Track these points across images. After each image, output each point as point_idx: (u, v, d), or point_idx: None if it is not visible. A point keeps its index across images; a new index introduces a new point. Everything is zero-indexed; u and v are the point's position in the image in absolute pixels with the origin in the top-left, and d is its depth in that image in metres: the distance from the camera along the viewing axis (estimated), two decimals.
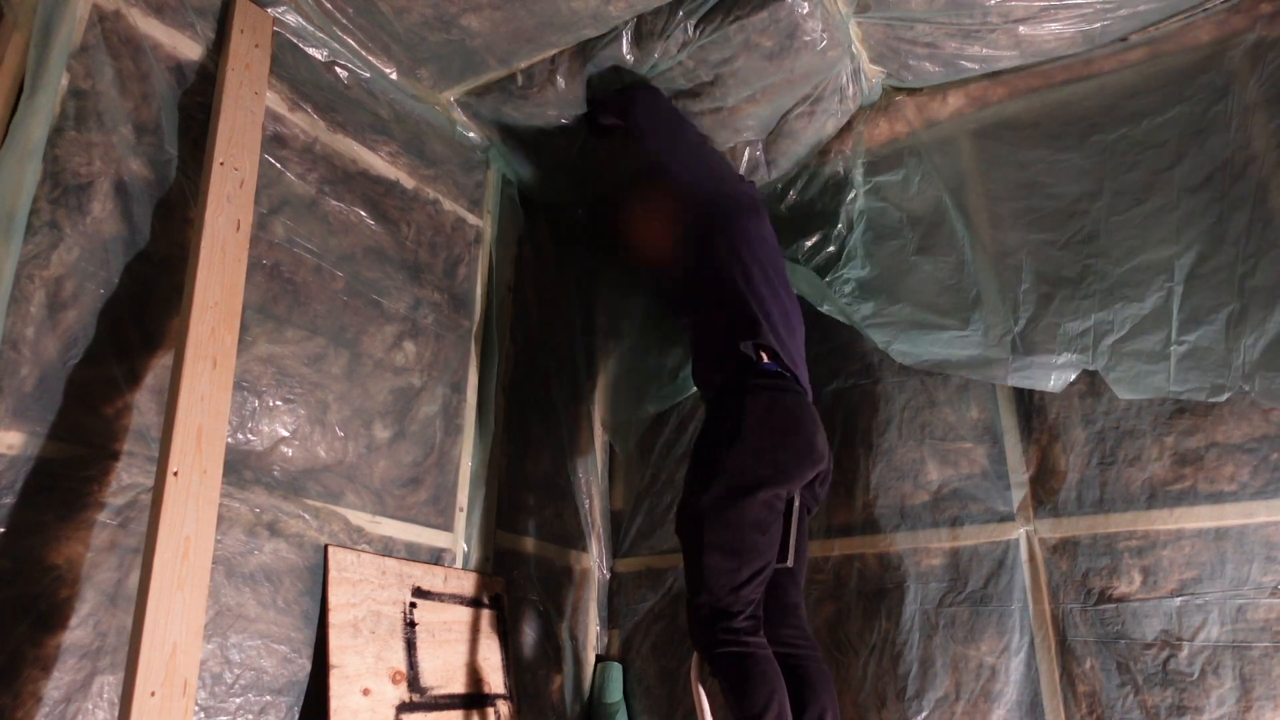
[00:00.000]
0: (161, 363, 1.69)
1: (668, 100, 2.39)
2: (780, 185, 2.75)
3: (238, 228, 1.77)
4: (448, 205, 2.50)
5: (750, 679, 1.74)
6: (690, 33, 2.21)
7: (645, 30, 2.23)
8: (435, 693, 2.01)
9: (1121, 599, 2.07)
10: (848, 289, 2.50)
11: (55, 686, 1.44)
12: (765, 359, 2.00)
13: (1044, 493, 2.23)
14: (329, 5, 2.09)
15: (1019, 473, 2.28)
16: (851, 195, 2.60)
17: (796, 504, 1.96)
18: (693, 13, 2.19)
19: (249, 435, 1.82)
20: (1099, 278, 2.21)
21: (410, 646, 2.00)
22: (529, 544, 2.53)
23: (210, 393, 1.61)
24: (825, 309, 2.50)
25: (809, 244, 2.61)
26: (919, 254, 2.49)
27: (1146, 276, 2.16)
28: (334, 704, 1.77)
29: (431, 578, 2.14)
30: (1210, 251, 2.10)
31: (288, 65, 2.10)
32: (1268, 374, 1.97)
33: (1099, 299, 2.19)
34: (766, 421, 1.92)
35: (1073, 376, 2.21)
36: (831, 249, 2.56)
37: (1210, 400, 2.04)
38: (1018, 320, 2.28)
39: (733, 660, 1.77)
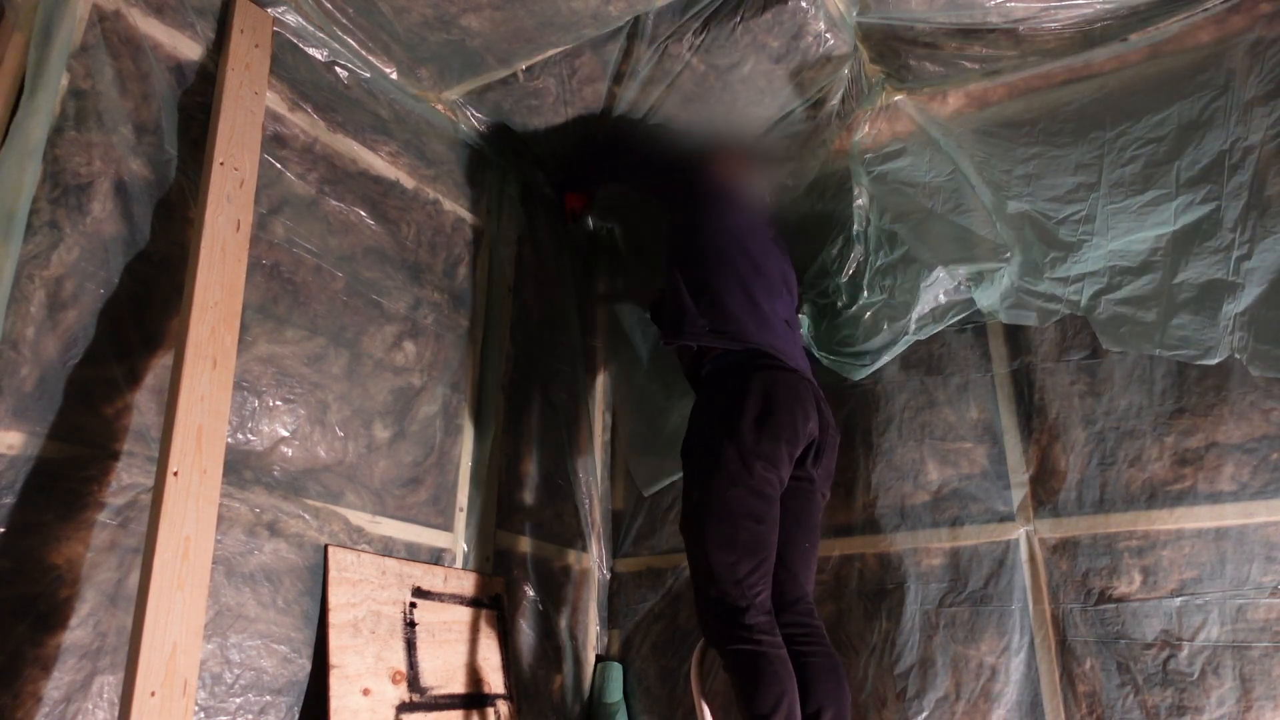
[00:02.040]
0: (161, 363, 1.69)
1: (627, 138, 2.54)
2: (790, 195, 2.75)
3: (238, 228, 1.77)
4: (448, 205, 2.50)
5: (761, 678, 1.73)
6: (697, 35, 2.22)
7: (653, 31, 2.23)
8: (435, 693, 2.01)
9: (1121, 599, 2.07)
10: (887, 282, 2.49)
11: (55, 686, 1.44)
12: (730, 345, 2.05)
13: (1044, 493, 2.23)
14: (329, 5, 2.09)
15: (1019, 473, 2.28)
16: (858, 191, 2.59)
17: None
18: (699, 14, 2.19)
19: (249, 435, 1.82)
20: (1094, 248, 2.23)
21: (410, 646, 2.00)
22: (529, 544, 2.53)
23: (210, 393, 1.61)
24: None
25: (835, 251, 2.59)
26: (952, 214, 2.48)
27: (1143, 248, 2.18)
28: (334, 704, 1.77)
29: (431, 578, 2.14)
30: (1207, 236, 2.12)
31: (288, 65, 2.10)
32: (1259, 343, 1.99)
33: (1093, 261, 2.22)
34: (751, 404, 1.93)
35: (1057, 317, 2.26)
36: (858, 249, 2.55)
37: (1199, 362, 2.06)
38: (1014, 255, 2.31)
39: (744, 657, 1.76)
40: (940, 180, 2.52)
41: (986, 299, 2.34)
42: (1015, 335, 2.38)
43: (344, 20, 2.14)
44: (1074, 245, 2.25)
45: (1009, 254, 2.32)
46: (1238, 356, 2.02)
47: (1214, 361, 2.05)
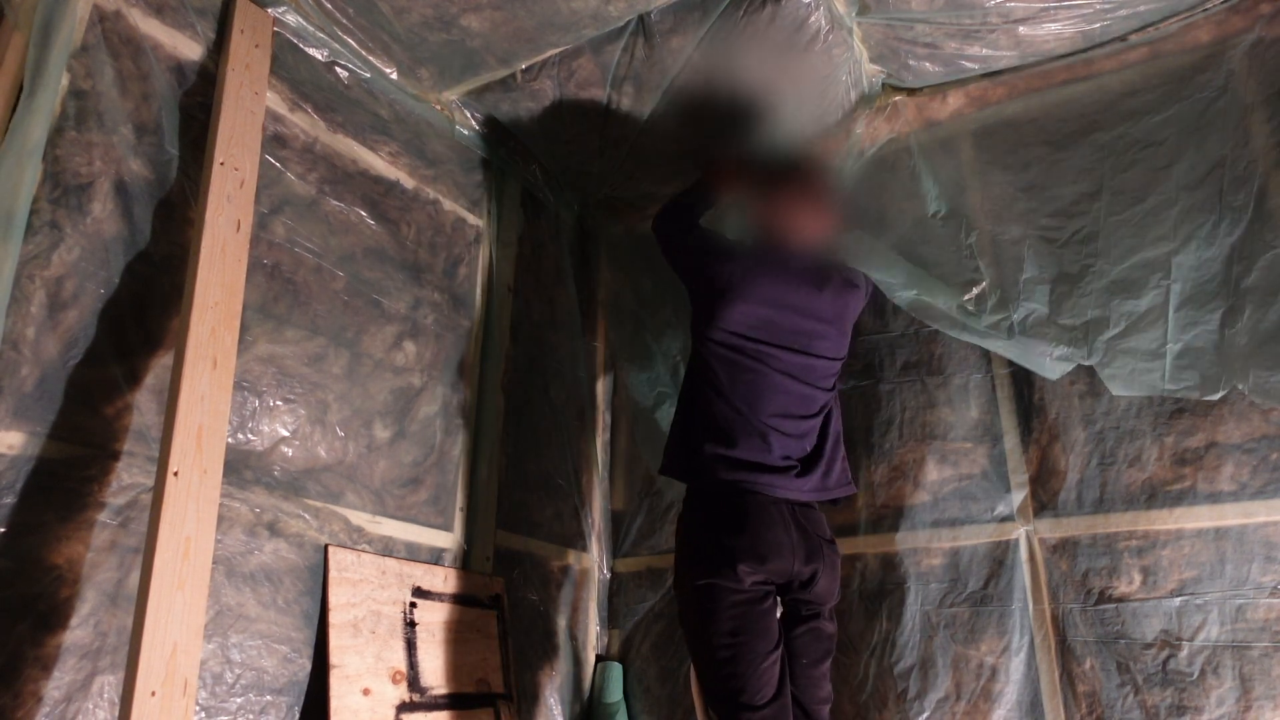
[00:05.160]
0: (161, 363, 1.69)
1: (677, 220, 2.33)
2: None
3: (238, 228, 1.77)
4: (448, 205, 2.50)
5: None
6: (697, 32, 2.22)
7: (653, 30, 2.23)
8: (435, 693, 2.01)
9: (1121, 599, 2.07)
10: None
11: (56, 686, 1.44)
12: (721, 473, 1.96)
13: (1044, 493, 2.23)
14: (329, 5, 2.10)
15: (1019, 473, 2.28)
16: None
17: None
18: (702, 11, 2.19)
19: (249, 435, 1.82)
20: (1098, 276, 2.21)
21: (410, 646, 2.00)
22: (529, 544, 2.53)
23: (210, 393, 1.61)
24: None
25: None
26: (930, 221, 2.44)
27: (1144, 274, 2.15)
28: (334, 704, 1.77)
29: (431, 578, 2.14)
30: (1207, 249, 2.10)
31: (288, 65, 2.10)
32: (1261, 371, 1.97)
33: (1096, 296, 2.19)
34: (707, 528, 1.92)
35: (1069, 369, 2.21)
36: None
37: (1204, 398, 2.04)
38: (1016, 309, 2.26)
39: None
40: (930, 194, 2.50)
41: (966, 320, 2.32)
42: None
43: (344, 20, 2.14)
44: (1077, 275, 2.21)
45: (979, 286, 2.28)
46: (1240, 388, 1.98)
47: (1217, 396, 2.02)
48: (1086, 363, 2.17)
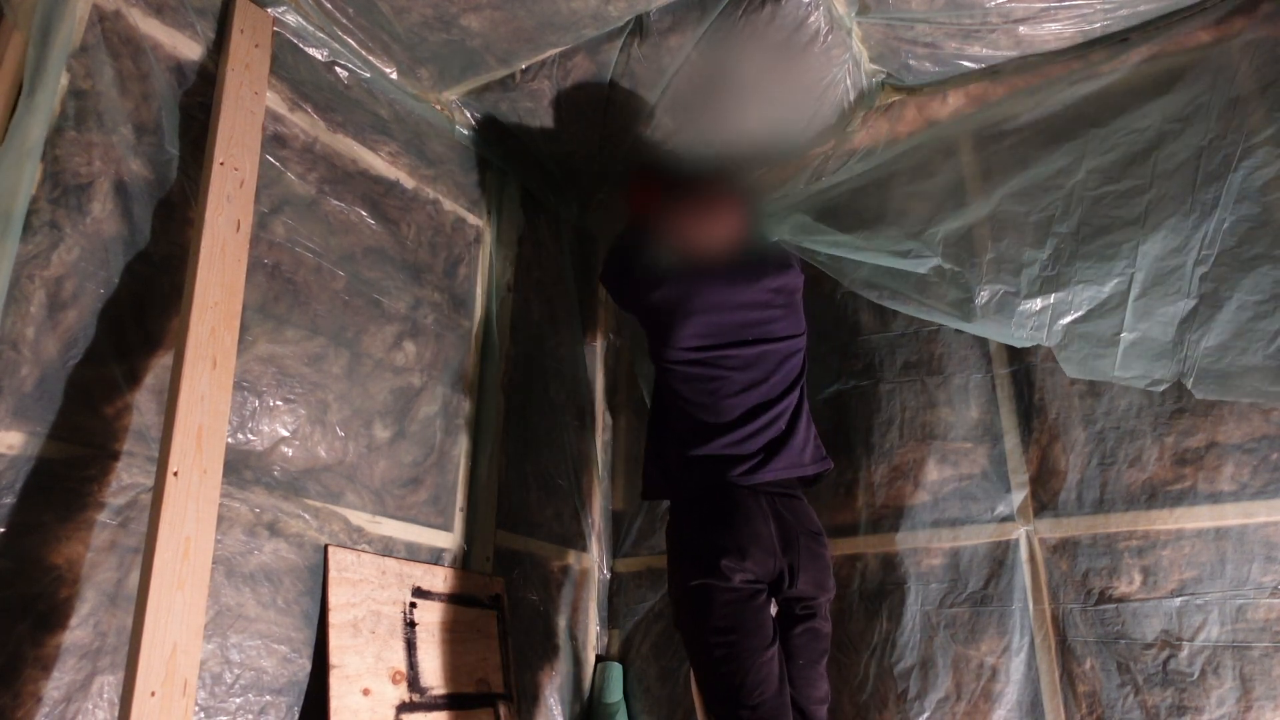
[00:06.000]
0: (161, 363, 1.69)
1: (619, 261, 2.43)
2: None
3: (238, 228, 1.77)
4: (448, 205, 2.50)
5: None
6: (696, 32, 2.21)
7: (652, 30, 2.23)
8: (435, 693, 2.01)
9: (1121, 599, 2.07)
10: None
11: (55, 686, 1.44)
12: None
13: (1044, 493, 2.23)
14: (329, 5, 2.10)
15: (1019, 473, 2.28)
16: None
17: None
18: (700, 11, 2.18)
19: (249, 435, 1.82)
20: (1065, 256, 2.19)
21: (410, 646, 2.00)
22: (529, 544, 2.53)
23: (210, 393, 1.61)
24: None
25: None
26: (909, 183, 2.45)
27: (1110, 259, 2.14)
28: (334, 704, 1.77)
29: (431, 578, 2.14)
30: (1173, 241, 2.08)
31: (288, 65, 2.10)
32: (1206, 369, 1.97)
33: (1061, 276, 2.18)
34: (694, 526, 1.96)
35: (1031, 344, 2.20)
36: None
37: (1148, 389, 2.04)
38: (978, 293, 2.21)
39: None
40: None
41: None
42: None
43: (344, 20, 2.14)
44: (1042, 250, 2.18)
45: (928, 256, 2.25)
46: (1184, 382, 1.97)
47: (1160, 389, 2.02)
48: (1045, 344, 2.16)
